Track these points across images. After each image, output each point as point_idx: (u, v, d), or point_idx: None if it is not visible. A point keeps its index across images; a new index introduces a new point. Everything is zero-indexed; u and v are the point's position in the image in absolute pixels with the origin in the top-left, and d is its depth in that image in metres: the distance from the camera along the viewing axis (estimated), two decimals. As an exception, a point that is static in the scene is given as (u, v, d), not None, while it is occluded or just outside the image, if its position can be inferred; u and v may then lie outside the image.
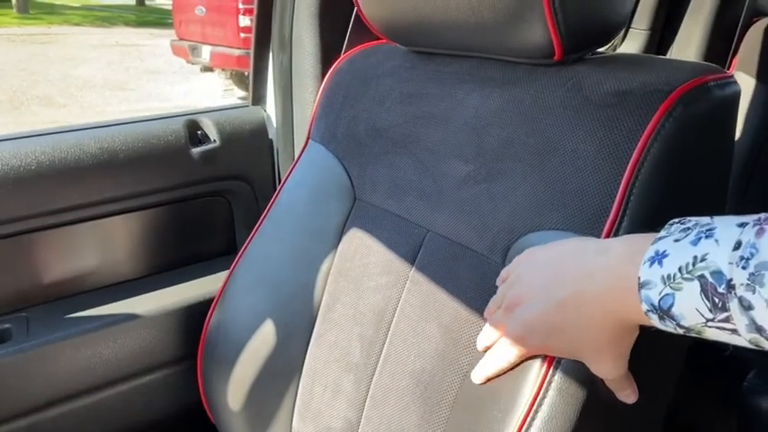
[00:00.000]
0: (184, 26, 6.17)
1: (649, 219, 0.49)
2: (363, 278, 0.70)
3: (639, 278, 0.39)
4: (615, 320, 0.43)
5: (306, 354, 0.74)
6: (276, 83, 1.00)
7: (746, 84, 1.24)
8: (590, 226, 0.51)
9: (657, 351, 0.54)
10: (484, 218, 0.59)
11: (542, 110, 0.57)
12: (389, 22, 0.68)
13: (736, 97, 0.54)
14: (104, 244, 0.92)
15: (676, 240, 0.38)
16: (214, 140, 0.96)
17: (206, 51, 5.86)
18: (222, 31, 5.64)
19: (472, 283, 0.60)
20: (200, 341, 0.83)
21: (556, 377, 0.49)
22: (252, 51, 1.00)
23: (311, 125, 0.82)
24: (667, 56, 1.46)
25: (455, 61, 0.67)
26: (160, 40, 9.99)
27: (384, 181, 0.71)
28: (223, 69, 6.15)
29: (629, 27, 1.47)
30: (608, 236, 0.50)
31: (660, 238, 0.39)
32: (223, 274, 0.84)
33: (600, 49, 0.61)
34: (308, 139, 0.82)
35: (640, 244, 0.40)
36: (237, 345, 0.78)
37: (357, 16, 0.89)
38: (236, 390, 0.78)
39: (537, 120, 0.57)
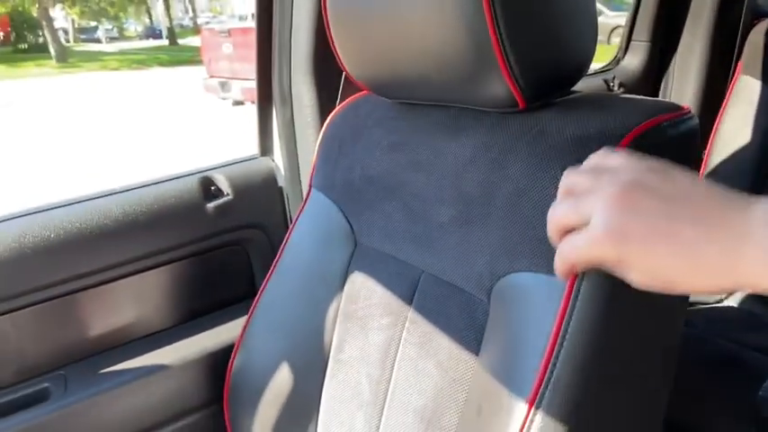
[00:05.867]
0: (214, 63, 6.36)
1: None
2: (368, 319, 0.73)
3: None
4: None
5: (322, 393, 0.77)
6: (281, 135, 1.04)
7: (752, 86, 1.22)
8: None
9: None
10: (468, 259, 0.62)
11: (512, 156, 0.59)
12: (371, 78, 0.71)
13: (693, 133, 0.56)
14: (133, 301, 0.96)
15: None
16: (227, 194, 1.01)
17: (236, 86, 6.05)
18: (251, 65, 5.81)
19: (463, 321, 0.62)
20: (224, 385, 0.87)
21: (537, 418, 0.52)
22: (256, 107, 1.06)
23: (312, 175, 0.86)
24: (671, 67, 1.46)
25: (433, 111, 0.70)
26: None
27: (379, 225, 0.73)
28: (253, 102, 6.32)
29: (630, 40, 1.48)
30: (574, 277, 0.52)
31: None
32: (245, 319, 0.88)
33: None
34: (309, 188, 0.85)
35: None
36: (259, 387, 0.81)
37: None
38: (261, 430, 0.81)
39: (507, 166, 0.59)
